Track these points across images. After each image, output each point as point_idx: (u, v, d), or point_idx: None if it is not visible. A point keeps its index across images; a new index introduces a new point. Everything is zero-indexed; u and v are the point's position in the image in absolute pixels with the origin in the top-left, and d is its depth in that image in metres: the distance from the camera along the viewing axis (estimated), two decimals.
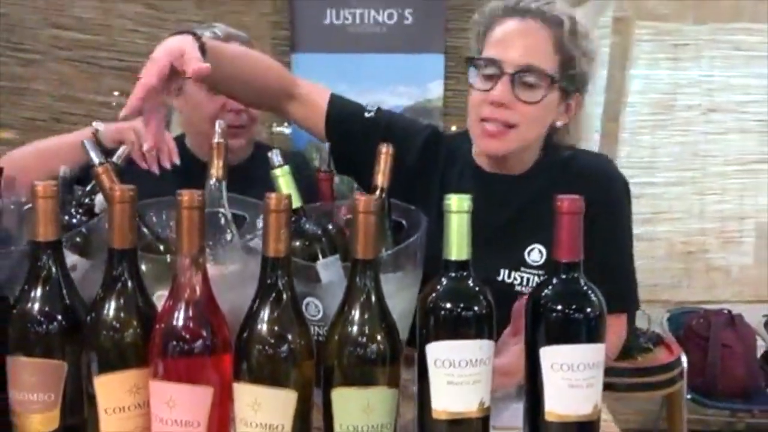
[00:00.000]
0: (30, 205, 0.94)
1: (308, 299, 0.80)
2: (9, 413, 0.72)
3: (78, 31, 3.59)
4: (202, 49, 0.89)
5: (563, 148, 1.05)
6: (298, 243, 0.84)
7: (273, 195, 0.65)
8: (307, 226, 0.87)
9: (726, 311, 2.87)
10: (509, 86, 0.95)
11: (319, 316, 0.80)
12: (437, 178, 1.05)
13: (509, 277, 0.98)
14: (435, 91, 2.96)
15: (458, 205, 0.65)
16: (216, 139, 0.91)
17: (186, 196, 0.66)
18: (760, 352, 2.90)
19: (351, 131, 1.04)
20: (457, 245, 0.65)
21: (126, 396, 0.68)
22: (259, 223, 0.92)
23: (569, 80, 0.99)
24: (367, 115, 1.07)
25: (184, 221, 0.66)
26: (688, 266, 3.35)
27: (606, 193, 1.01)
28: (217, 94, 1.18)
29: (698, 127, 3.26)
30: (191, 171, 1.07)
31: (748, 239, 3.35)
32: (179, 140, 1.29)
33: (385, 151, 0.87)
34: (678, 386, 2.45)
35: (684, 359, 2.63)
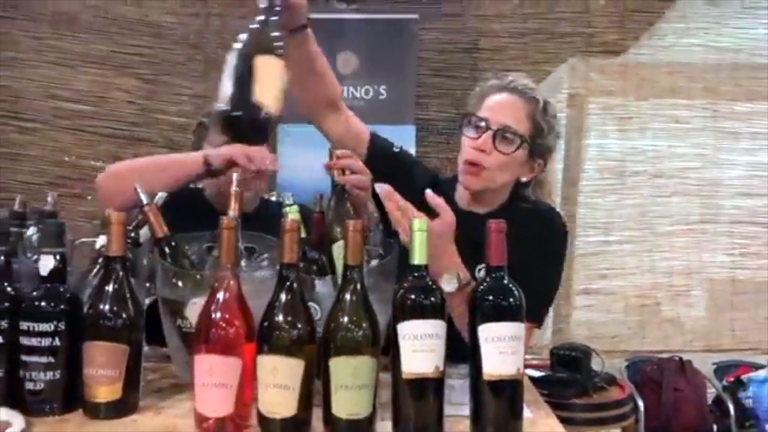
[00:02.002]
0: (80, 240, 1.20)
1: (310, 304, 1.05)
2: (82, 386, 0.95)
3: (77, 102, 3.88)
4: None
5: (526, 201, 1.36)
6: (302, 264, 1.10)
7: (288, 220, 0.92)
8: (309, 253, 1.14)
9: (677, 358, 3.07)
10: (491, 138, 1.28)
11: (317, 317, 1.05)
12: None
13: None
14: None
15: (419, 226, 0.92)
16: (233, 188, 1.19)
17: (225, 220, 0.92)
18: (711, 398, 3.06)
19: (384, 161, 1.37)
20: (419, 253, 0.92)
21: None
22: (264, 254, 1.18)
23: (536, 147, 1.31)
24: (395, 150, 1.43)
25: (224, 238, 0.92)
26: (643, 318, 3.53)
27: (547, 232, 1.30)
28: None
29: (645, 190, 3.53)
30: (207, 216, 1.18)
31: (695, 292, 3.55)
32: (199, 192, 1.55)
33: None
34: (630, 421, 2.67)
35: (640, 402, 2.84)
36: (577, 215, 3.45)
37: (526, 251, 1.06)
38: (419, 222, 0.92)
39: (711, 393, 3.08)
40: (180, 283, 1.07)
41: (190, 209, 1.34)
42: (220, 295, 0.92)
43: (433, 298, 0.91)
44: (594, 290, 3.46)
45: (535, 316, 1.27)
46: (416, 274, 0.92)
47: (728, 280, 3.56)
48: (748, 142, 3.57)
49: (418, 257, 0.92)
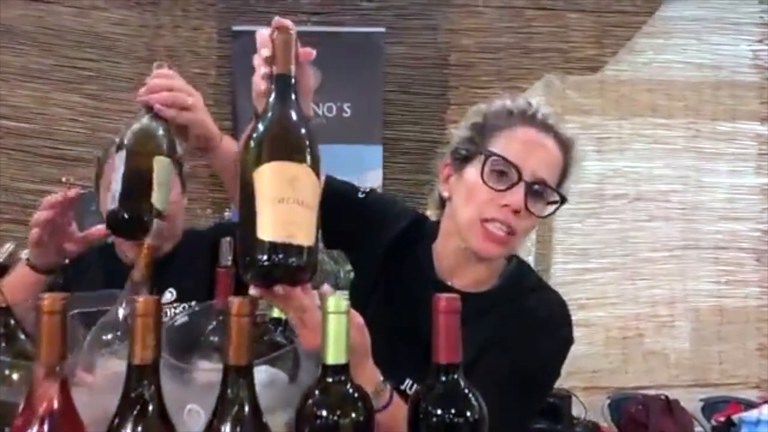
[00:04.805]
0: None
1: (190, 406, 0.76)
2: None
3: (12, 120, 3.58)
4: None
5: (526, 284, 1.02)
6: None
7: (141, 298, 0.62)
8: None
9: (663, 397, 2.91)
10: (523, 194, 0.92)
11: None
12: (398, 265, 1.04)
13: (410, 388, 0.92)
14: (374, 180, 3.04)
15: (335, 305, 0.63)
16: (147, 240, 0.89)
17: (47, 299, 0.62)
18: None
19: (343, 210, 1.01)
20: (335, 348, 0.63)
21: None
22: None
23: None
24: (359, 195, 1.07)
25: (44, 327, 0.62)
26: (625, 351, 3.38)
27: (543, 344, 0.96)
28: None
29: (626, 214, 3.40)
30: (116, 272, 1.12)
31: (679, 323, 3.41)
32: (109, 246, 1.30)
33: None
34: None
35: None
36: (553, 241, 3.29)
37: (506, 360, 0.85)
38: (335, 299, 0.63)
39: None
40: (15, 377, 0.77)
41: (99, 267, 1.22)
42: (37, 414, 0.61)
43: (353, 414, 0.62)
44: (573, 321, 3.26)
45: None
46: (331, 380, 0.62)
47: (715, 310, 3.44)
48: (732, 163, 3.46)
49: (333, 354, 0.62)
